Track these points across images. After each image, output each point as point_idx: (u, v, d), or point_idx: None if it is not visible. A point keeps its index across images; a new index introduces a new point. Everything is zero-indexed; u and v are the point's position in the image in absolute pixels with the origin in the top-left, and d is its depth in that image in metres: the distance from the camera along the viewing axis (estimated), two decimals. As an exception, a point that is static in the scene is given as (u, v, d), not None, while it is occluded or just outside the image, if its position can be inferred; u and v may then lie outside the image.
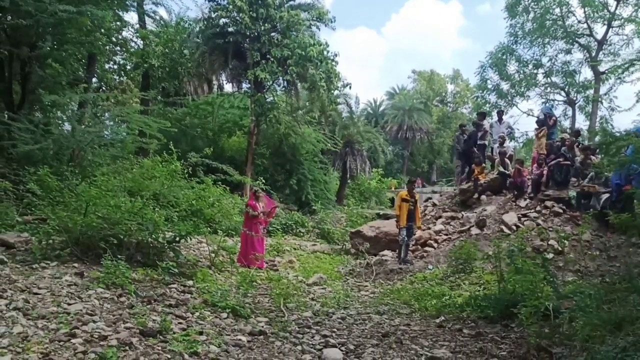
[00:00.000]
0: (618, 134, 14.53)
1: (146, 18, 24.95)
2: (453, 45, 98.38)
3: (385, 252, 14.35)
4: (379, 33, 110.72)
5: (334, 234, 19.59)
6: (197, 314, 6.95)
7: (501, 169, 15.26)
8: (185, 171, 11.31)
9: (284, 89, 26.95)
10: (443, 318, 8.19)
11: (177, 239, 9.44)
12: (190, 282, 8.77)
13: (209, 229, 11.11)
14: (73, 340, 4.98)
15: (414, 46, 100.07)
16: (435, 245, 13.74)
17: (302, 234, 19.98)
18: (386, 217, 21.34)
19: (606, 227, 11.54)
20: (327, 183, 29.89)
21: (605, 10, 29.46)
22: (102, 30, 17.80)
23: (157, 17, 26.20)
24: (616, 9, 29.10)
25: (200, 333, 6.05)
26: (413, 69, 68.39)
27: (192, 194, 10.96)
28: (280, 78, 25.16)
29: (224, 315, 7.24)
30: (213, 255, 11.06)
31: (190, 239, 10.18)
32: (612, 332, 5.49)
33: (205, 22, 24.37)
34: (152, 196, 10.03)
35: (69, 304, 6.09)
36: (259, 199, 12.93)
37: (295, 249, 16.12)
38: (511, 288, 8.04)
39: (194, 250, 12.12)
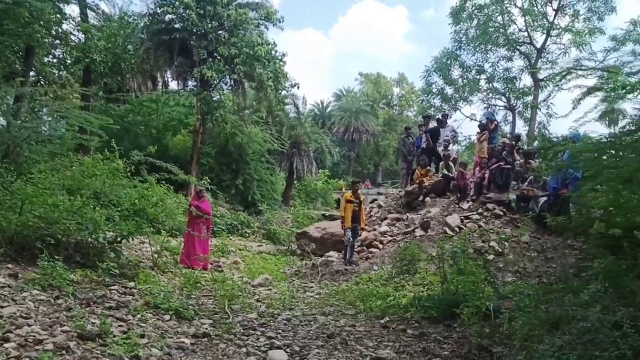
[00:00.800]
0: (555, 140, 15.08)
1: (88, 11, 24.17)
2: (399, 49, 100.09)
3: (331, 253, 14.40)
4: (326, 35, 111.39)
5: (280, 234, 19.54)
6: (139, 316, 6.77)
7: (445, 171, 15.57)
8: (128, 170, 11.00)
9: (230, 87, 26.64)
10: (388, 319, 8.27)
11: (119, 239, 9.19)
12: (132, 284, 8.55)
13: (152, 229, 10.85)
14: (6, 345, 4.77)
15: (361, 49, 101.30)
16: (381, 246, 13.89)
17: (247, 235, 19.81)
18: (332, 218, 21.42)
19: (544, 229, 11.95)
20: (273, 183, 29.76)
21: (545, 20, 30.62)
22: (41, 22, 17.11)
23: (100, 11, 25.45)
24: (554, 18, 30.32)
25: (142, 336, 5.89)
26: (360, 71, 68.84)
27: (135, 193, 10.68)
28: (227, 77, 24.85)
29: (167, 317, 7.09)
30: (156, 255, 10.82)
31: (133, 239, 9.93)
32: (550, 331, 5.67)
33: (150, 18, 23.80)
34: (93, 195, 9.70)
35: (2, 307, 5.83)
36: (202, 197, 12.75)
37: (240, 249, 15.97)
38: (454, 289, 8.19)
39: (136, 251, 11.83)
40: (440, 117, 18.57)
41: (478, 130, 16.89)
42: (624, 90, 13.75)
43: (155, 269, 10.38)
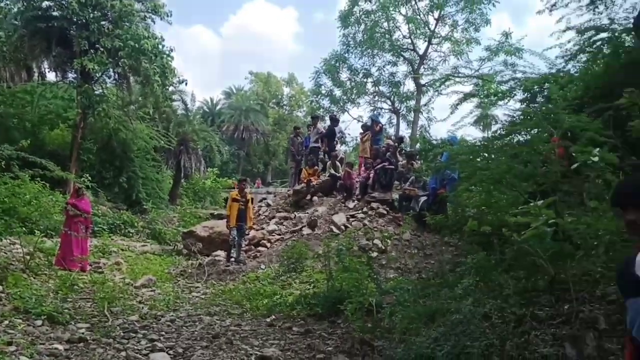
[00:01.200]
0: (435, 142, 15.86)
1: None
2: (289, 50, 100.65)
3: (219, 252, 14.19)
4: (216, 33, 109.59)
5: (166, 234, 18.97)
6: (6, 322, 6.30)
7: (332, 171, 15.90)
8: (-2, 165, 10.18)
9: (114, 81, 25.45)
10: (274, 317, 8.31)
11: (-15, 240, 8.48)
12: (0, 288, 7.92)
13: (24, 228, 10.12)
14: None
15: (251, 48, 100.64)
16: (269, 245, 13.91)
17: (131, 235, 19.02)
18: (220, 217, 21.08)
19: (424, 227, 12.55)
20: (159, 182, 28.82)
21: (427, 28, 32.17)
22: None
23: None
24: (435, 27, 31.93)
25: (10, 343, 5.49)
26: (250, 70, 68.30)
27: (5, 190, 9.90)
28: (111, 70, 23.74)
29: (39, 322, 6.65)
30: (28, 257, 10.09)
31: (1, 240, 9.19)
32: (426, 324, 5.97)
33: (25, 3, 22.13)
34: (-46, 193, 8.89)
35: None
36: (82, 196, 12.07)
37: (123, 250, 15.29)
38: (338, 286, 8.38)
39: (5, 253, 10.95)
40: (334, 117, 18.94)
41: (361, 130, 17.42)
42: (496, 97, 14.77)
43: (27, 271, 9.68)
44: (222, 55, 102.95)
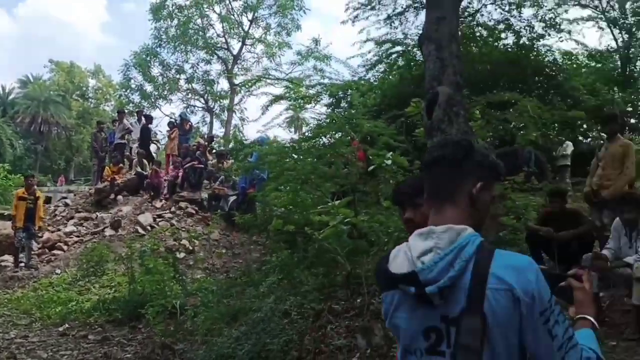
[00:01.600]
0: (246, 142, 16.02)
1: None
2: (95, 40, 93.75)
3: (7, 257, 12.74)
4: (10, 14, 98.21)
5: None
6: None
7: (139, 169, 15.21)
8: None
9: None
10: (67, 325, 7.71)
11: None
12: None
13: None
14: None
15: (51, 34, 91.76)
16: (66, 248, 12.83)
17: None
18: (11, 217, 19.05)
19: (233, 227, 12.57)
20: None
21: (240, 29, 32.32)
22: None
23: None
24: (249, 28, 32.22)
25: None
26: (50, 58, 62.55)
27: None
28: None
29: None
30: None
31: None
32: (229, 323, 5.96)
33: None
34: None
35: None
36: None
37: None
38: (141, 289, 8.03)
39: None
40: (149, 116, 18.13)
41: (168, 128, 16.98)
42: (304, 101, 15.36)
43: None
44: (16, 39, 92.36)
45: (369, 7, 15.31)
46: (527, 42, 14.32)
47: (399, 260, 1.52)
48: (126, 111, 21.15)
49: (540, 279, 1.44)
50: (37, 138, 53.07)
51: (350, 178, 9.20)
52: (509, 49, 14.33)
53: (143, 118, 17.70)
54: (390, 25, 15.30)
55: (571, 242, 5.80)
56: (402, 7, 15.00)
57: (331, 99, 16.12)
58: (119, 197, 14.93)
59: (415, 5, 14.41)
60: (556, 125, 12.45)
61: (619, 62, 15.98)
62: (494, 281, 1.42)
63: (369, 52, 16.10)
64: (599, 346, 1.54)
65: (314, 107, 16.84)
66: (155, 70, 32.91)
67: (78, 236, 13.29)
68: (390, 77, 15.71)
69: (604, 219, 5.99)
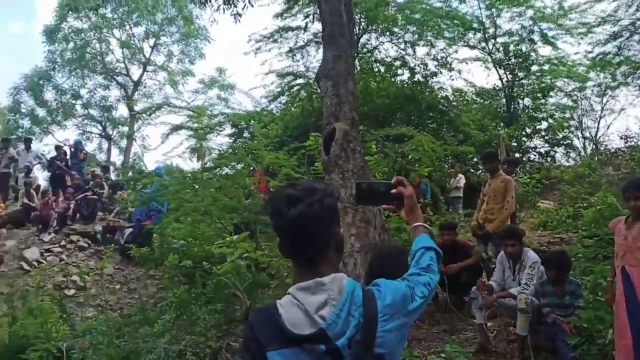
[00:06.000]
0: (144, 172, 15.51)
1: None
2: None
3: None
4: None
5: None
6: None
7: (26, 200, 14.24)
8: None
9: None
10: (-64, 377, 6.96)
11: None
12: None
13: None
14: None
15: None
16: (-62, 286, 11.73)
17: None
18: None
19: (128, 261, 12.02)
20: None
21: (141, 55, 31.60)
22: None
23: None
24: (150, 55, 31.60)
25: None
26: None
27: None
28: None
29: None
30: None
31: None
32: (120, 367, 5.65)
33: None
34: None
35: None
36: None
37: None
38: (23, 331, 7.44)
39: None
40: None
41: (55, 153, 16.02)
42: (207, 130, 15.18)
43: None
44: None
45: (271, 39, 15.53)
46: (421, 79, 15.08)
47: (295, 318, 1.48)
48: (11, 139, 19.77)
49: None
50: None
51: (251, 210, 9.16)
52: (405, 85, 15.01)
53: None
54: (292, 58, 15.60)
55: (461, 273, 6.09)
56: (303, 41, 15.34)
57: (233, 129, 16.09)
58: (3, 230, 13.88)
59: (317, 39, 14.77)
60: (449, 158, 13.12)
61: (504, 100, 17.15)
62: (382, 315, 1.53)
63: (272, 83, 16.31)
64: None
65: (216, 136, 16.72)
66: (49, 95, 31.30)
67: (-48, 274, 12.18)
68: (293, 108, 15.94)
69: (488, 251, 6.32)
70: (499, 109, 17.12)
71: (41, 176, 18.75)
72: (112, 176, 18.36)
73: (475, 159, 13.95)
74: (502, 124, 15.95)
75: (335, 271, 1.56)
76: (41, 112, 31.52)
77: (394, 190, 1.89)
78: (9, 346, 7.26)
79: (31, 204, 13.98)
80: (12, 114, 31.93)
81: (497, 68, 17.09)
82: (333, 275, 1.54)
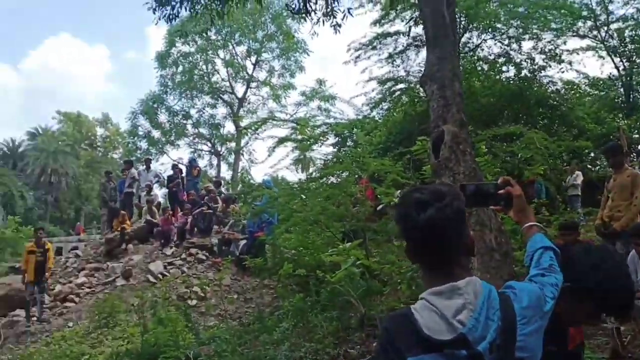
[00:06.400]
0: (253, 185, 16.02)
1: None
2: (101, 89, 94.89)
3: (19, 311, 12.70)
4: (14, 69, 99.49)
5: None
6: None
7: (148, 217, 15.23)
8: None
9: None
10: (81, 381, 7.59)
11: None
12: None
13: None
14: None
15: (57, 86, 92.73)
16: (77, 299, 12.76)
17: None
18: (23, 270, 19.08)
19: (244, 272, 12.48)
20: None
21: (245, 73, 32.86)
22: None
23: None
24: (253, 72, 32.79)
25: None
26: (58, 109, 63.38)
27: None
28: None
29: None
30: None
31: None
32: (245, 373, 5.86)
33: None
34: None
35: None
36: None
37: None
38: (153, 340, 7.93)
39: None
40: (176, 165, 18.37)
41: (172, 172, 17.05)
42: (311, 141, 15.42)
43: None
44: (22, 93, 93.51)
45: (370, 47, 15.57)
46: (528, 74, 14.45)
47: (432, 323, 1.48)
48: (132, 160, 21.24)
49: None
50: (47, 189, 53.45)
51: (359, 217, 9.19)
52: (511, 82, 14.46)
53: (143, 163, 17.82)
54: (392, 63, 15.54)
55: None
56: (402, 46, 15.23)
57: (337, 138, 16.27)
58: (130, 246, 14.91)
59: (416, 43, 14.63)
60: (563, 155, 12.44)
61: (621, 90, 16.04)
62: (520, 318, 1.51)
63: (373, 90, 16.31)
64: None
65: (320, 146, 16.98)
66: (162, 117, 33.31)
67: (89, 287, 13.23)
68: (395, 114, 15.85)
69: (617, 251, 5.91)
70: (616, 100, 16.04)
71: (160, 193, 20.01)
72: (224, 190, 19.17)
73: (593, 154, 13.17)
74: (620, 116, 14.92)
75: (468, 274, 1.56)
76: (156, 134, 33.55)
77: (501, 191, 1.88)
78: (142, 354, 7.77)
79: (154, 220, 14.94)
80: (131, 137, 34.29)
81: (612, 56, 16.02)
82: (467, 279, 1.53)
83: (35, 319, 11.71)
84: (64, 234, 33.89)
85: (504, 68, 14.92)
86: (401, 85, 15.54)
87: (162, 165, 32.49)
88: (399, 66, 15.56)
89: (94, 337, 10.15)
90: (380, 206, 9.96)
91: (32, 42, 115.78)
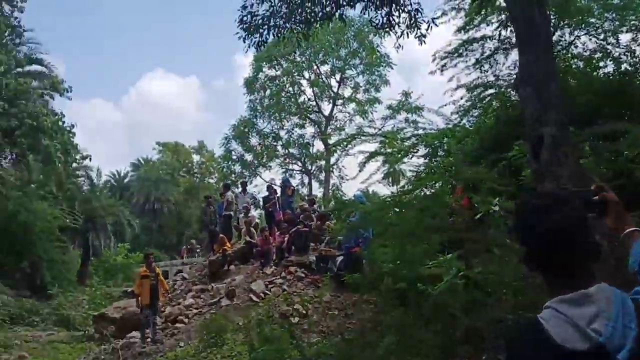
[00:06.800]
0: (346, 201, 16.11)
1: None
2: (194, 118, 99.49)
3: (134, 333, 13.46)
4: (116, 105, 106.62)
5: (75, 319, 17.87)
6: None
7: (248, 238, 15.71)
8: None
9: (11, 161, 24.29)
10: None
11: None
12: None
13: None
14: None
15: (155, 119, 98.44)
16: (186, 320, 13.35)
17: (36, 323, 17.76)
18: (134, 294, 20.23)
19: (343, 288, 12.53)
20: (66, 263, 27.35)
21: (330, 91, 33.28)
22: None
23: None
24: (338, 89, 33.12)
25: None
26: (157, 140, 67.07)
27: None
28: (8, 150, 22.68)
29: None
30: None
31: None
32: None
33: None
34: None
35: None
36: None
37: (27, 341, 14.21)
38: (261, 358, 8.14)
39: None
40: (240, 184, 18.96)
41: (267, 192, 17.50)
42: (400, 154, 15.31)
43: None
44: (125, 127, 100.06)
45: (456, 54, 15.26)
46: (629, 68, 13.60)
47: (564, 333, 1.44)
48: (229, 184, 22.04)
49: None
50: (151, 216, 56.47)
51: (457, 228, 9.00)
52: (610, 77, 13.66)
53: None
54: (480, 69, 15.13)
55: None
56: (490, 50, 14.82)
57: (427, 149, 16.01)
58: (231, 267, 15.44)
59: (504, 46, 14.19)
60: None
61: None
62: None
63: (461, 98, 15.92)
64: None
65: (410, 158, 16.78)
66: (254, 140, 34.35)
67: (197, 308, 13.80)
68: (486, 120, 15.40)
69: None
70: None
71: (256, 214, 20.60)
72: (317, 208, 19.43)
73: None
74: None
75: (597, 281, 1.50)
76: (249, 157, 34.63)
77: (595, 197, 1.80)
78: (250, 372, 8.01)
79: (253, 240, 15.37)
80: (226, 162, 35.60)
81: None
82: (597, 286, 1.48)
83: (149, 340, 12.35)
84: (168, 258, 35.54)
85: (601, 64, 14.13)
86: (491, 91, 15.06)
87: (256, 187, 33.46)
88: (487, 71, 15.08)
89: (204, 356, 10.55)
90: (478, 215, 9.72)
91: (131, 79, 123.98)
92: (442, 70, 15.95)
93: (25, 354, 12.31)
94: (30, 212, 23.89)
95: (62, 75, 24.73)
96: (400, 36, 9.61)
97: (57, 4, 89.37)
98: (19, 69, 23.20)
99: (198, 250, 26.02)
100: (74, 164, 25.64)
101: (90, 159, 28.97)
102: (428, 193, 12.12)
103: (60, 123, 22.65)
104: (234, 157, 34.77)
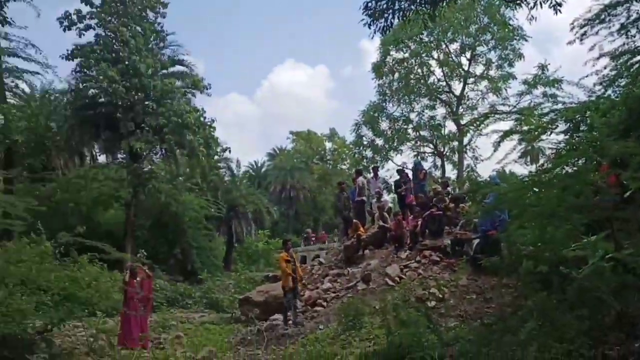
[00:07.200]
0: (481, 182, 15.61)
1: (7, 92, 23.61)
2: (324, 106, 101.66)
3: (277, 316, 14.14)
4: (250, 99, 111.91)
5: (223, 302, 19.13)
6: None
7: (381, 222, 15.82)
8: (57, 251, 10.59)
9: (161, 157, 26.46)
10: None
11: (49, 327, 8.74)
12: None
13: (86, 311, 10.41)
14: None
15: (287, 109, 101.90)
16: (325, 304, 13.80)
17: (189, 306, 19.31)
18: (276, 279, 21.20)
19: (480, 271, 12.23)
20: (213, 250, 29.36)
21: (461, 69, 32.24)
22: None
23: (19, 91, 24.89)
24: (469, 67, 31.97)
25: None
26: (291, 130, 69.44)
27: (65, 276, 10.25)
28: (158, 146, 24.72)
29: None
30: (91, 340, 10.32)
31: (64, 326, 9.46)
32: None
33: (73, 94, 23.52)
34: (20, 282, 9.24)
35: None
36: (136, 275, 12.37)
37: (182, 322, 15.50)
38: (398, 341, 8.20)
39: (70, 337, 11.24)
40: (372, 169, 19.10)
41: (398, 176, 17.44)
42: (538, 131, 14.53)
43: (91, 354, 9.88)
44: (260, 119, 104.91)
45: (598, 21, 14.10)
46: None
47: None
48: (361, 170, 22.25)
49: None
50: (288, 203, 58.66)
51: (604, 207, 8.40)
52: None
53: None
54: (627, 34, 13.86)
55: None
56: (637, 13, 13.53)
57: (568, 124, 15.02)
58: (366, 251, 15.66)
59: (654, 7, 12.88)
60: None
61: None
62: None
63: (605, 67, 14.71)
64: None
65: (549, 135, 15.86)
66: (384, 125, 34.21)
67: (334, 292, 14.20)
68: (635, 90, 14.10)
69: None
70: None
71: (388, 199, 20.64)
72: (451, 190, 19.05)
73: None
74: None
75: None
76: (379, 142, 34.63)
77: None
78: (388, 355, 8.10)
79: (386, 225, 15.46)
80: (357, 148, 35.94)
81: None
82: None
83: (291, 322, 12.92)
84: (305, 244, 36.73)
85: None
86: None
87: (388, 172, 33.44)
88: (634, 36, 13.81)
89: (343, 338, 10.83)
90: (628, 193, 8.99)
91: (264, 73, 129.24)
92: (581, 39, 14.81)
93: (181, 334, 13.41)
94: (179, 203, 25.95)
95: (201, 74, 26.53)
96: (534, 7, 9.08)
97: (194, 7, 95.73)
98: (164, 71, 25.14)
99: (313, 238, 26.79)
100: (216, 157, 27.34)
101: (230, 151, 30.66)
102: (570, 171, 11.42)
103: (202, 119, 24.22)
104: (365, 143, 34.93)
